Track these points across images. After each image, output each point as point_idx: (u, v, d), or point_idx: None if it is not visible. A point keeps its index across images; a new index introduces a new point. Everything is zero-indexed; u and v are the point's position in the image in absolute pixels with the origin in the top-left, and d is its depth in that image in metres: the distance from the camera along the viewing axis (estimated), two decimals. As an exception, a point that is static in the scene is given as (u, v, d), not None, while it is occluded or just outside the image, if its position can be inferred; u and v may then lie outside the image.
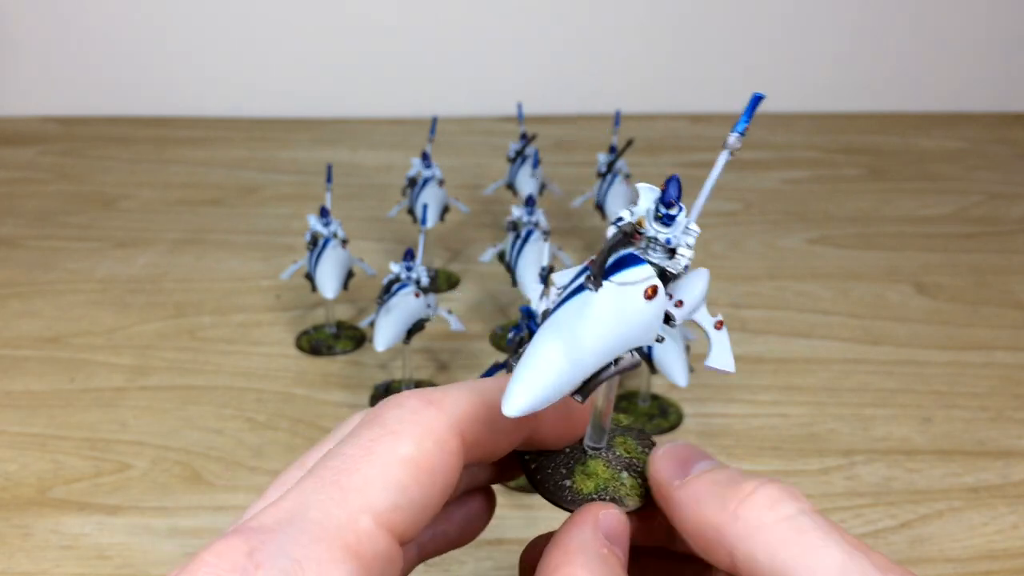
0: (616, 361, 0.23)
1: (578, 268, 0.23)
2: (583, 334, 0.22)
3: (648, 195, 0.23)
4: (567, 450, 0.28)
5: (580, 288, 0.23)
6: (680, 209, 0.23)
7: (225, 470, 0.51)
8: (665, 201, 0.23)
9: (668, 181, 0.23)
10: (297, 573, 0.21)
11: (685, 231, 0.23)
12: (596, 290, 0.22)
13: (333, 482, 0.22)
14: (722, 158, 0.24)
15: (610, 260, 0.22)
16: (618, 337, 0.22)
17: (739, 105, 1.00)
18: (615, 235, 0.22)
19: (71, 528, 0.47)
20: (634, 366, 0.24)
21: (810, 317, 0.67)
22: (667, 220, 0.23)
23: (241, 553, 0.21)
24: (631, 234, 0.23)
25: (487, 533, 0.48)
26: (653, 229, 0.23)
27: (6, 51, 1.06)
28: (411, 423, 0.24)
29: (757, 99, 0.24)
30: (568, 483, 0.27)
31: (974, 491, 0.50)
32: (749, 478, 0.25)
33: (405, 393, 0.25)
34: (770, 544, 0.23)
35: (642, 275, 0.23)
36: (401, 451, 0.23)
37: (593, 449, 0.27)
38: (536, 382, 0.22)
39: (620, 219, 0.23)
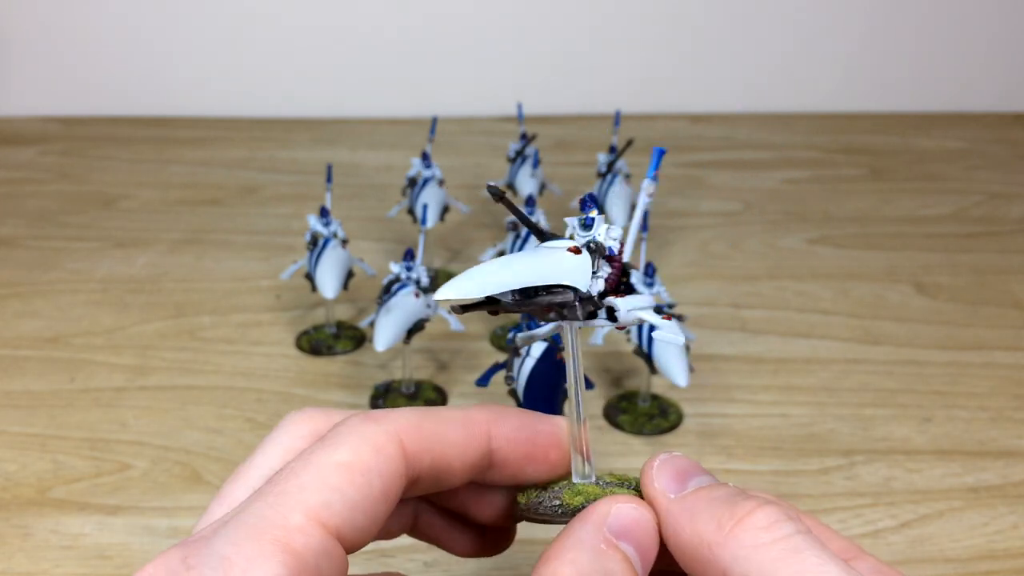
0: (549, 289, 0.26)
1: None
2: (516, 257, 0.26)
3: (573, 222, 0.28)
4: (558, 483, 0.28)
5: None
6: (596, 214, 0.27)
7: (225, 470, 0.51)
8: (584, 211, 0.28)
9: (583, 199, 0.28)
10: (227, 569, 0.21)
11: (607, 233, 0.27)
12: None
13: (269, 491, 0.23)
14: (642, 203, 0.28)
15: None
16: (543, 264, 0.26)
17: (739, 105, 1.01)
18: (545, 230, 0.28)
19: (71, 528, 0.47)
20: (565, 304, 0.26)
21: (810, 317, 0.67)
22: (588, 223, 0.27)
23: (176, 560, 0.22)
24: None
25: (487, 533, 0.48)
26: (580, 236, 0.27)
27: (6, 51, 1.06)
28: (348, 434, 0.25)
29: (660, 153, 0.27)
30: (556, 502, 0.27)
31: (974, 491, 0.50)
32: (748, 497, 0.25)
33: (351, 414, 0.26)
34: (765, 565, 0.23)
35: (568, 244, 0.27)
36: (336, 457, 0.24)
37: (582, 481, 0.28)
38: (466, 275, 0.24)
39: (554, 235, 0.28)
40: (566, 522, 0.26)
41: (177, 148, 0.99)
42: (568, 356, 0.28)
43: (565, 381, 0.46)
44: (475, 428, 0.27)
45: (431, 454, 0.26)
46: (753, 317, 0.67)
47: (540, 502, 0.28)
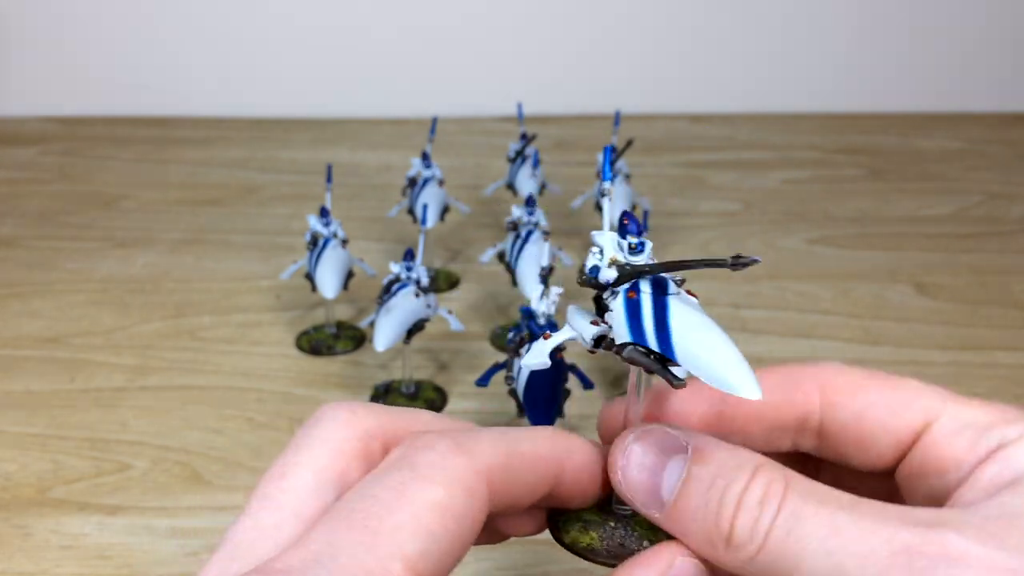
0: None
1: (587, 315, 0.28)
2: (712, 323, 0.26)
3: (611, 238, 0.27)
4: (596, 514, 0.28)
5: (663, 296, 0.27)
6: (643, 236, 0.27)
7: (225, 470, 0.51)
8: (630, 232, 0.27)
9: (626, 218, 0.27)
10: None
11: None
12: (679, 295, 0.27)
13: (363, 525, 0.22)
14: (605, 204, 0.27)
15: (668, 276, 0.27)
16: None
17: (739, 105, 1.01)
18: (665, 263, 0.26)
19: (71, 528, 0.47)
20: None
21: (810, 317, 0.67)
22: (640, 249, 0.27)
23: None
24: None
25: (487, 533, 0.47)
26: (625, 260, 0.26)
27: (6, 51, 1.06)
28: (441, 468, 0.23)
29: (608, 150, 0.28)
30: (615, 543, 0.27)
31: (974, 491, 0.50)
32: (733, 480, 0.25)
33: (434, 435, 0.24)
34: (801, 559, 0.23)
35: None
36: (431, 496, 0.23)
37: (620, 509, 0.27)
38: (742, 360, 0.25)
39: (595, 268, 0.27)
40: (614, 565, 0.26)
41: (177, 148, 0.99)
42: (631, 393, 0.28)
43: (565, 381, 0.46)
44: (551, 466, 0.26)
45: (510, 495, 0.25)
46: (753, 317, 0.67)
47: (594, 544, 0.27)
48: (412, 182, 0.70)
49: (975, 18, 1.09)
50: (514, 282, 0.60)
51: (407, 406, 0.57)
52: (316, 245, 0.60)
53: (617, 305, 0.27)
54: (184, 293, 0.70)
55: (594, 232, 0.27)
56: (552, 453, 0.26)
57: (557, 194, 0.76)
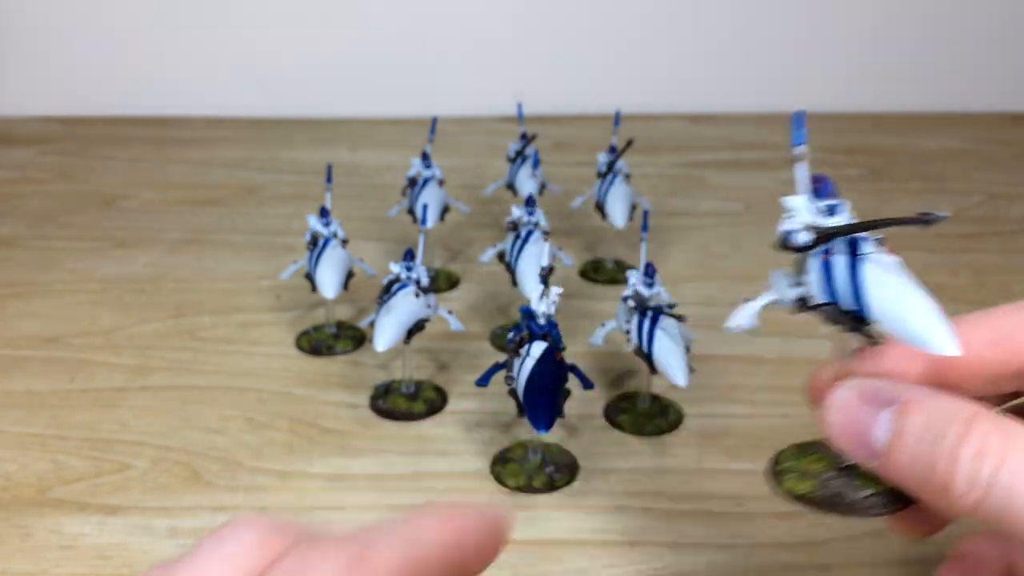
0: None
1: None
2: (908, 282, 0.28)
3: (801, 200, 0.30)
4: (826, 468, 0.30)
5: (857, 257, 0.29)
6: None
7: (225, 470, 0.51)
8: (823, 195, 0.29)
9: (820, 180, 0.30)
10: None
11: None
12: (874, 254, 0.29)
13: None
14: (800, 168, 0.29)
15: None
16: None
17: (739, 105, 1.01)
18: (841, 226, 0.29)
19: (71, 528, 0.47)
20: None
21: (810, 317, 0.67)
22: (834, 209, 0.29)
23: None
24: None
25: (487, 533, 0.47)
26: (819, 222, 0.29)
27: (6, 51, 1.06)
28: None
29: (801, 116, 0.29)
30: (867, 492, 0.29)
31: (974, 491, 0.50)
32: (945, 432, 0.25)
33: (330, 551, 0.22)
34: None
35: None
36: None
37: (841, 461, 0.30)
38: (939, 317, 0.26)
39: (788, 232, 0.30)
40: (829, 512, 0.27)
41: (177, 148, 0.99)
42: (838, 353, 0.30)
43: (565, 381, 0.46)
44: (451, 553, 0.25)
45: None
46: (753, 317, 0.67)
47: (810, 494, 0.29)
48: (412, 182, 0.70)
49: (975, 18, 1.09)
50: (514, 282, 0.60)
51: (407, 406, 0.57)
52: (316, 245, 0.60)
53: (814, 267, 0.29)
54: (184, 293, 0.70)
55: (785, 197, 0.29)
56: (451, 539, 0.25)
57: (557, 194, 0.76)
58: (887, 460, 0.27)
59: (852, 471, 0.29)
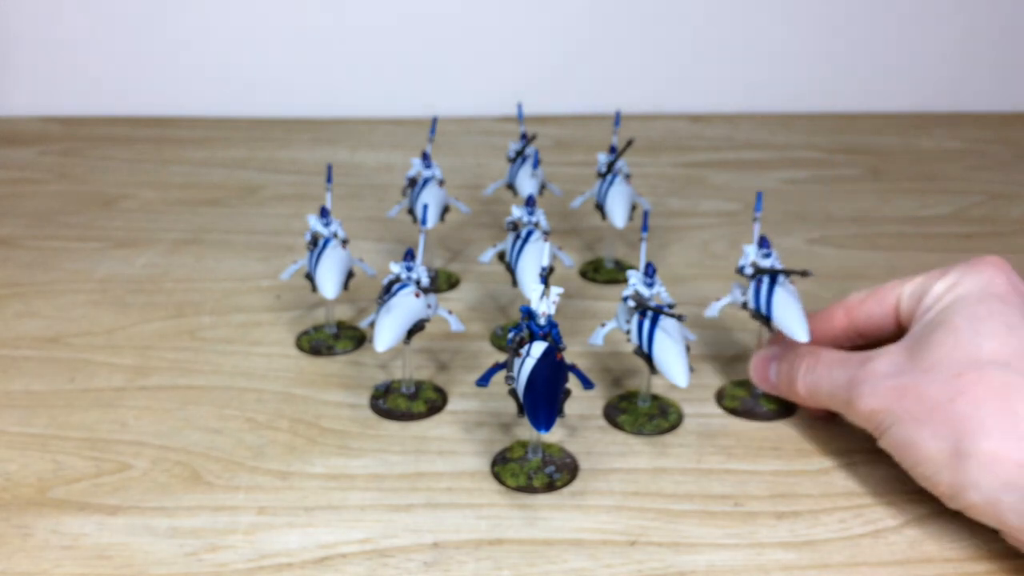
0: None
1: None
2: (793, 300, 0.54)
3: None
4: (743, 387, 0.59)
5: (772, 286, 0.53)
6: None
7: (225, 470, 0.51)
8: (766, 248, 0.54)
9: (763, 239, 0.54)
10: None
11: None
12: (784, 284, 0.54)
13: None
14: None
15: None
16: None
17: (739, 105, 1.02)
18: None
19: (71, 528, 0.47)
20: None
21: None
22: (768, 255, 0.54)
23: None
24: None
25: (487, 533, 0.48)
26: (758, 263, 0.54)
27: (6, 51, 1.06)
28: None
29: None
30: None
31: (974, 491, 0.50)
32: (793, 367, 0.53)
33: None
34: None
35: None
36: None
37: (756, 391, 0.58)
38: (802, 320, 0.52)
39: (742, 266, 0.56)
40: (771, 419, 0.56)
41: (177, 148, 0.99)
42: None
43: (565, 381, 0.46)
44: None
45: None
46: (753, 317, 0.67)
47: (751, 409, 0.56)
48: (412, 182, 0.70)
49: (975, 18, 1.09)
50: (514, 282, 0.60)
51: (407, 406, 0.57)
52: (316, 245, 0.60)
53: (751, 287, 0.54)
54: (184, 293, 0.70)
55: (744, 245, 0.55)
56: None
57: (557, 194, 0.76)
58: (775, 388, 0.54)
59: (759, 395, 0.56)
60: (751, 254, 0.55)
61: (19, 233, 0.79)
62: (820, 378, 0.50)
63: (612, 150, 0.71)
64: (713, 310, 0.57)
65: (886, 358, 0.46)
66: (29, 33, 1.05)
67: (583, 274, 0.73)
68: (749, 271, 0.55)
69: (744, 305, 0.55)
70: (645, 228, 0.55)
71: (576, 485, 0.50)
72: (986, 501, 0.42)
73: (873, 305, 0.51)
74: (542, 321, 0.46)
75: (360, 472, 0.51)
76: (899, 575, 0.44)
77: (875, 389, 0.46)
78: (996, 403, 0.42)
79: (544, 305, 0.46)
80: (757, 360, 0.55)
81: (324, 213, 0.61)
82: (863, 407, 0.47)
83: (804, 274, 0.53)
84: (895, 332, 0.51)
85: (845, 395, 0.48)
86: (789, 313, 0.52)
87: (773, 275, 0.54)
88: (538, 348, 0.46)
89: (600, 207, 0.70)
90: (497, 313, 0.67)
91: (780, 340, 0.55)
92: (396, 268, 0.54)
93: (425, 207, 0.59)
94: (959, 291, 0.46)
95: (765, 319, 0.53)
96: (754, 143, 1.02)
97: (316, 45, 1.07)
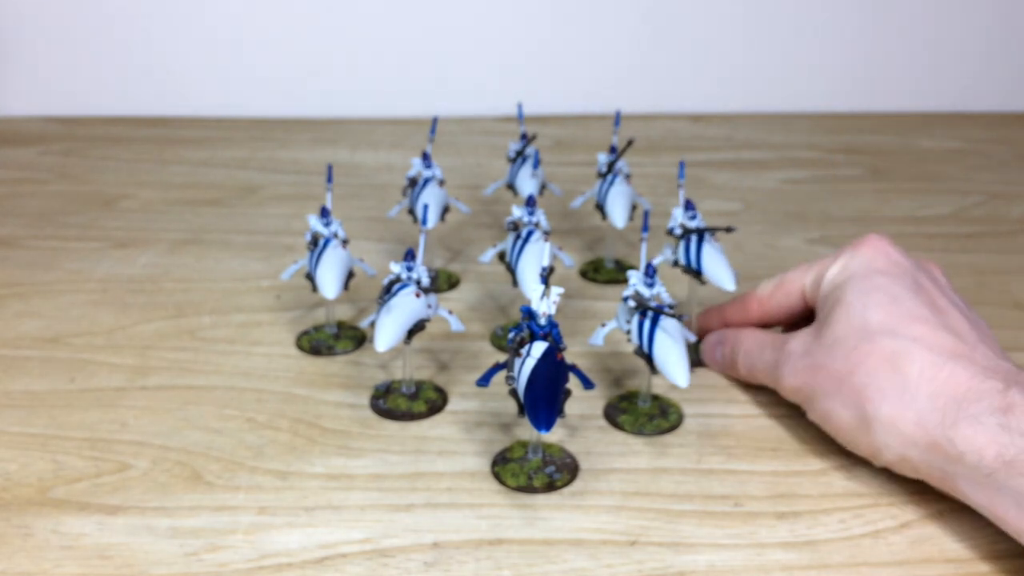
0: None
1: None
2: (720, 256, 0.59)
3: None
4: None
5: (701, 244, 0.58)
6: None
7: (225, 470, 0.51)
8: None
9: (689, 202, 0.59)
10: None
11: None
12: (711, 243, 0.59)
13: None
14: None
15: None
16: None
17: (739, 105, 1.02)
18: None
19: (71, 528, 0.47)
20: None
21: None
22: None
23: None
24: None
25: (487, 533, 0.48)
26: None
27: (6, 51, 1.06)
28: None
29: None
30: None
31: (974, 491, 0.50)
32: (725, 349, 0.59)
33: None
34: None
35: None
36: None
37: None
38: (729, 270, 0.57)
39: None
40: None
41: (177, 148, 0.99)
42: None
43: (566, 381, 0.46)
44: None
45: None
46: (753, 317, 0.67)
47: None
48: (412, 182, 0.70)
49: (975, 18, 1.09)
50: (514, 282, 0.60)
51: (408, 406, 0.57)
52: (316, 245, 0.60)
53: (681, 246, 0.60)
54: (184, 293, 0.70)
55: (674, 207, 0.60)
56: None
57: (557, 194, 0.76)
58: (723, 369, 0.59)
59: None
60: (679, 216, 0.60)
61: (19, 233, 0.79)
62: (754, 360, 0.55)
63: (612, 150, 0.71)
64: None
65: (799, 339, 0.52)
66: (29, 33, 1.05)
67: (583, 274, 0.73)
68: (678, 231, 0.60)
69: (675, 263, 0.60)
70: (645, 228, 0.55)
71: (576, 485, 0.50)
72: (899, 458, 0.46)
73: (782, 297, 0.56)
74: (542, 321, 0.46)
75: (360, 472, 0.51)
76: (899, 575, 0.44)
77: (794, 368, 0.51)
78: (887, 370, 0.46)
79: (544, 305, 0.46)
80: (706, 345, 0.60)
81: (324, 213, 0.61)
82: (786, 385, 0.52)
83: (728, 230, 0.59)
84: (808, 315, 0.56)
85: (773, 374, 0.53)
86: (717, 266, 0.57)
87: (700, 233, 0.58)
88: (538, 348, 0.46)
89: (600, 207, 0.70)
90: (497, 313, 0.67)
91: (711, 314, 0.61)
92: (396, 268, 0.54)
93: (425, 207, 0.59)
94: (847, 272, 0.51)
95: (696, 273, 0.58)
96: (754, 143, 1.02)
97: (316, 45, 1.07)
